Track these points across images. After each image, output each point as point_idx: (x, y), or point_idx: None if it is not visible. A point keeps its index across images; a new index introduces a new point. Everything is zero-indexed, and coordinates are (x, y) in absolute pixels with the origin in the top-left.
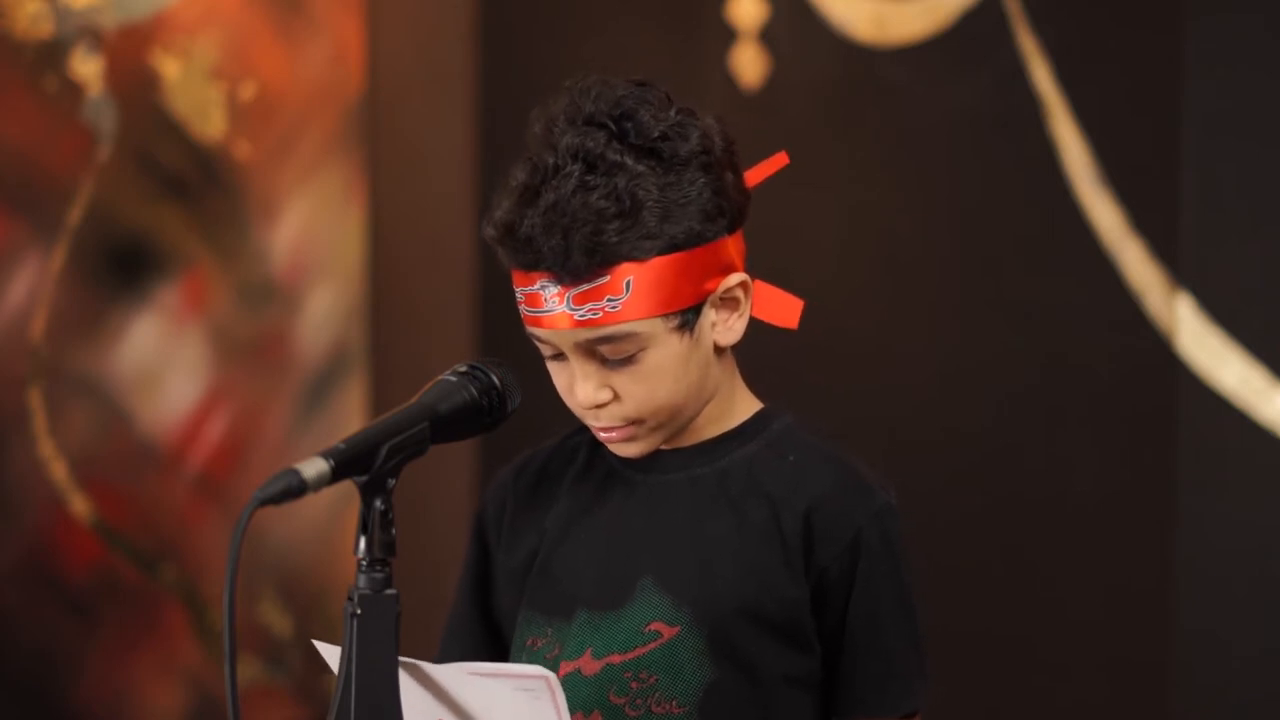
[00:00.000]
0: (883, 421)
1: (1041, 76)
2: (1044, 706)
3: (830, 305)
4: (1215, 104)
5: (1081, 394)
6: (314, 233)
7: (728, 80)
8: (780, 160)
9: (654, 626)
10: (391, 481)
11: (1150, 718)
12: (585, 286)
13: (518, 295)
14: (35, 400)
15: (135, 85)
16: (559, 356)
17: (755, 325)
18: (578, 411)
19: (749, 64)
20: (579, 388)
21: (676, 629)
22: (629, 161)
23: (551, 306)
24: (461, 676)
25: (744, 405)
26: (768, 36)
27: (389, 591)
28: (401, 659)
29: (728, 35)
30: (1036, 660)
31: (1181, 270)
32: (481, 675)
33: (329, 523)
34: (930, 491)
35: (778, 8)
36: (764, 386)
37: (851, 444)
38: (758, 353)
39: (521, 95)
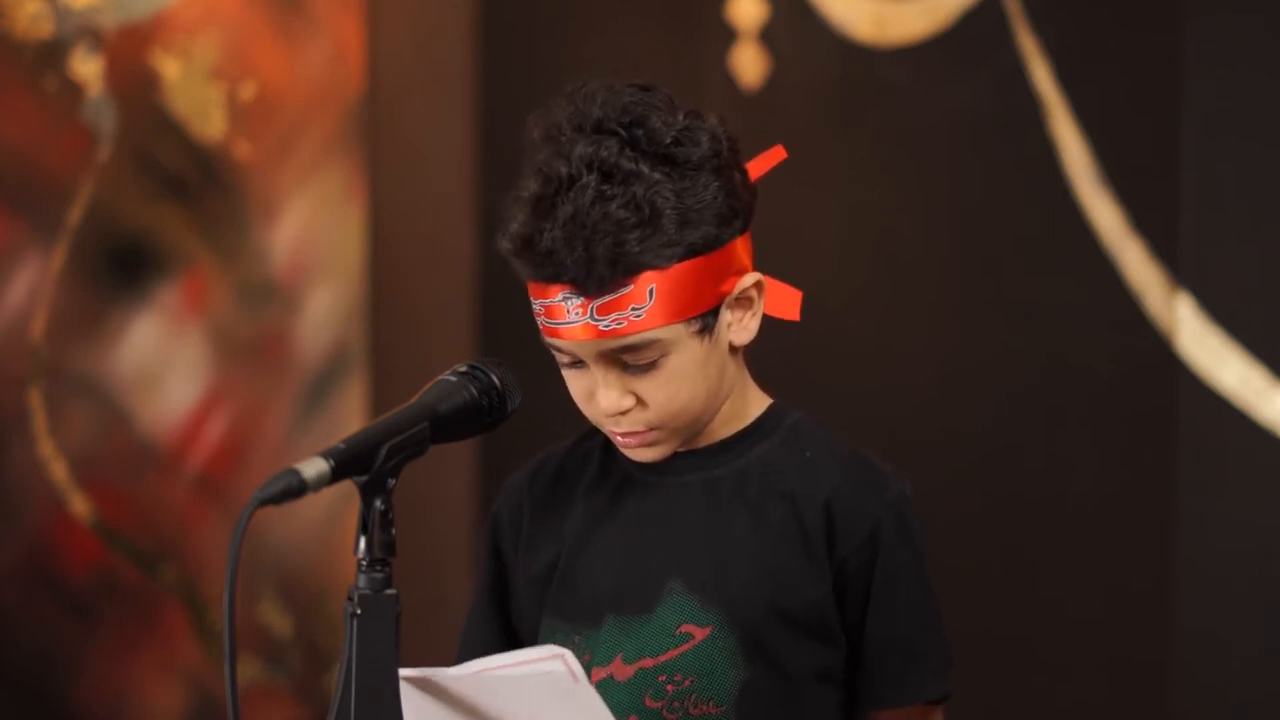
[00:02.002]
0: (883, 421)
1: (1041, 76)
2: (1044, 706)
3: (830, 305)
4: (1215, 104)
5: (1081, 394)
6: (314, 233)
7: (728, 80)
8: (778, 154)
9: (685, 629)
10: (391, 481)
11: (1150, 718)
12: (608, 297)
13: (535, 307)
14: (35, 400)
15: (135, 85)
16: (577, 364)
17: None
18: (597, 419)
19: (749, 64)
20: (602, 396)
21: (708, 629)
22: (644, 169)
23: (574, 318)
24: (477, 681)
25: (755, 403)
26: (768, 36)
27: (389, 591)
28: (414, 673)
29: (728, 35)
30: (1036, 660)
31: (1181, 270)
32: (496, 670)
33: (329, 523)
34: (930, 491)
35: (778, 8)
36: (764, 386)
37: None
38: (758, 351)
39: (521, 95)
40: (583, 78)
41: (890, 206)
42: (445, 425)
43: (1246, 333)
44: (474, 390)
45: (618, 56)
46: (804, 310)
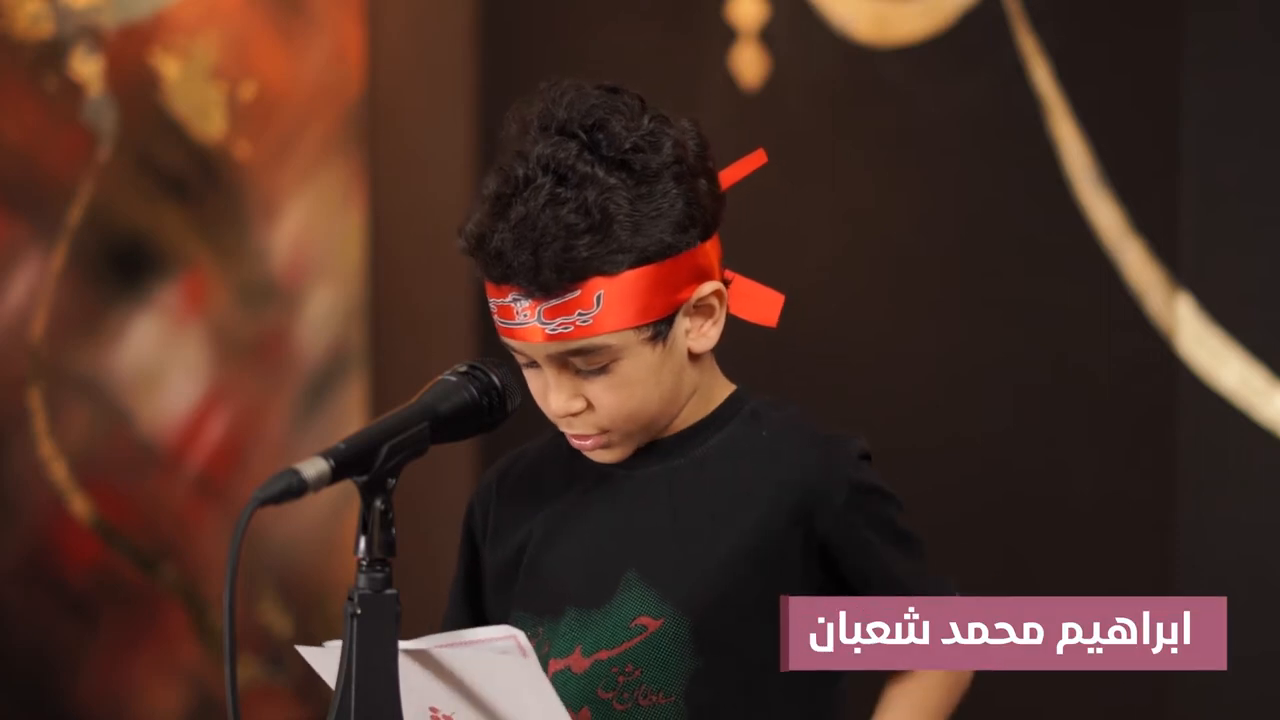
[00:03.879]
0: (883, 421)
1: (1041, 76)
2: (1043, 707)
3: (830, 305)
4: (1215, 104)
5: (1081, 394)
6: (314, 233)
7: (728, 80)
8: (758, 159)
9: (640, 620)
10: (391, 481)
11: (1150, 717)
12: (556, 301)
13: (491, 306)
14: (35, 400)
15: (135, 85)
16: (534, 364)
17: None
18: (552, 418)
19: (749, 64)
20: (552, 397)
21: (661, 621)
22: (600, 174)
23: (523, 319)
24: (442, 654)
25: (719, 397)
26: (768, 36)
27: (389, 591)
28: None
29: (728, 35)
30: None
31: (1181, 270)
32: (452, 646)
33: (329, 523)
34: (930, 491)
35: (778, 8)
36: (762, 387)
37: None
38: (757, 351)
39: (521, 95)
40: (578, 77)
41: (890, 206)
42: (445, 425)
43: (1246, 333)
44: (474, 390)
45: (618, 56)
46: (803, 310)
